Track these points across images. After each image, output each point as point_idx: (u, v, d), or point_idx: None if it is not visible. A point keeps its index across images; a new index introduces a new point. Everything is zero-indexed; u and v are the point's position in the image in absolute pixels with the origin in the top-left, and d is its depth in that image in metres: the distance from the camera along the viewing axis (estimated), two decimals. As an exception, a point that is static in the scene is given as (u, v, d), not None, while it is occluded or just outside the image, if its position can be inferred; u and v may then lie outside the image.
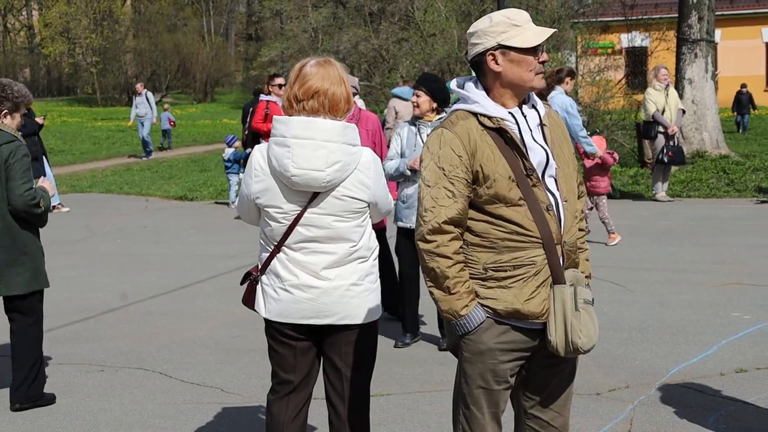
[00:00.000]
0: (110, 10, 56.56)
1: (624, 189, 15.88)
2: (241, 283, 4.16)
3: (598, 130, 18.86)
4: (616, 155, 11.37)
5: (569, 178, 3.50)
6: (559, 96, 10.59)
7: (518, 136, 3.38)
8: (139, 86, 27.41)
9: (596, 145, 10.90)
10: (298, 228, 3.90)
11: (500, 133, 3.36)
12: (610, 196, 14.99)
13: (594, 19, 25.74)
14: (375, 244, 4.09)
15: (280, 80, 13.24)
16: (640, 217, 13.32)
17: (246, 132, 14.50)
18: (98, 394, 6.23)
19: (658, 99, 14.32)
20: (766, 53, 40.79)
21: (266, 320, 4.06)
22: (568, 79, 11.02)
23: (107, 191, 19.29)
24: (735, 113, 28.27)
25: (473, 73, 3.52)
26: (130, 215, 15.79)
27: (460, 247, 3.36)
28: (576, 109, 10.91)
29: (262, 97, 13.62)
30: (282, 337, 4.04)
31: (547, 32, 3.41)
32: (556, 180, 3.44)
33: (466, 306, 3.34)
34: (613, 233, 11.17)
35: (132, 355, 7.16)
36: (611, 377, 6.21)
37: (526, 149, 3.37)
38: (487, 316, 3.37)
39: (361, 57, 27.12)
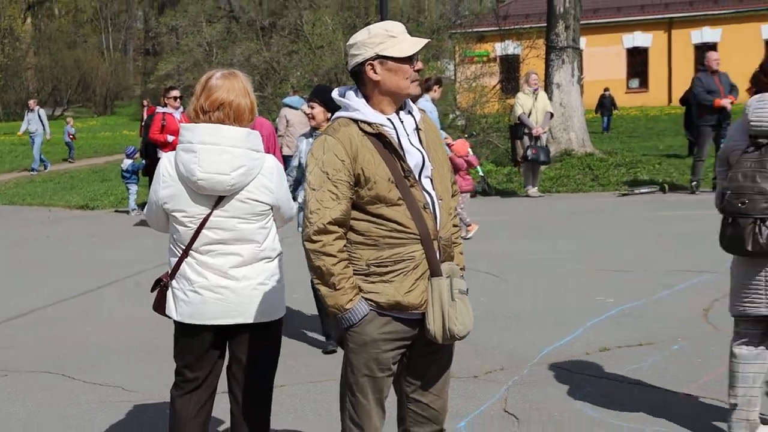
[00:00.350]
0: (11, 28, 54.80)
1: (498, 186, 16.14)
2: (152, 290, 4.06)
3: (474, 133, 19.15)
4: (472, 159, 11.40)
5: (444, 179, 3.55)
6: (423, 102, 10.72)
7: (396, 140, 3.41)
8: (31, 102, 26.20)
9: (459, 148, 11.06)
10: (204, 231, 3.86)
11: (379, 138, 3.38)
12: (485, 193, 15.30)
13: (470, 30, 26.14)
14: (279, 246, 4.07)
15: (175, 92, 13.06)
16: (514, 213, 13.55)
17: (142, 143, 14.27)
18: (2, 399, 6.05)
19: (526, 102, 14.64)
20: (626, 58, 42.20)
21: (177, 323, 3.99)
22: (436, 87, 11.24)
23: (10, 203, 18.76)
24: (599, 114, 29.35)
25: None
26: (34, 226, 15.33)
27: (344, 246, 3.37)
28: (436, 115, 11.00)
29: (159, 109, 13.41)
30: (192, 338, 3.98)
31: (421, 42, 3.45)
32: (431, 180, 3.48)
33: (351, 300, 3.35)
34: (470, 225, 11.24)
35: (36, 359, 6.96)
36: (487, 361, 6.29)
37: (403, 152, 3.40)
38: (371, 309, 3.38)
39: (253, 69, 26.82)
